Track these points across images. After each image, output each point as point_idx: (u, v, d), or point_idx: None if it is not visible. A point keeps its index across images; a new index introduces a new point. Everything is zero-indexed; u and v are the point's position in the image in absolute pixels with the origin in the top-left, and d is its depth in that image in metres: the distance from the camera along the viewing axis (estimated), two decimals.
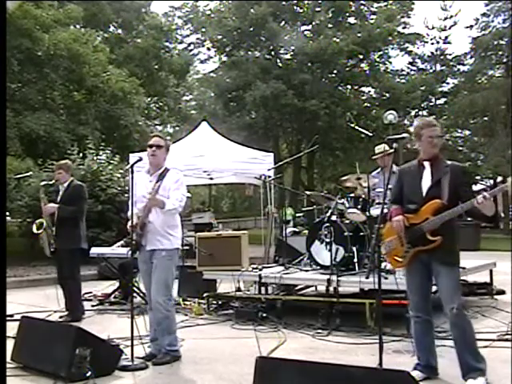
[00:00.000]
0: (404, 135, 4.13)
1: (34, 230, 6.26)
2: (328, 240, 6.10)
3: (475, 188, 45.47)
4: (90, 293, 7.65)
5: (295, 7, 28.17)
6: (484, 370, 3.76)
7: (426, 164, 3.96)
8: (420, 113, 28.97)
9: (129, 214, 4.59)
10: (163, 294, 4.49)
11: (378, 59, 28.32)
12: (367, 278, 5.47)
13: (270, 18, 25.48)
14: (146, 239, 4.53)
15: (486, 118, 26.41)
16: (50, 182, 6.54)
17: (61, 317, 6.23)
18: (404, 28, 27.87)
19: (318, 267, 6.33)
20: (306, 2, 27.77)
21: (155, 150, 4.57)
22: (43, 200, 6.31)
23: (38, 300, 7.58)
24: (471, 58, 27.35)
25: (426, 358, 4.01)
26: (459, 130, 29.23)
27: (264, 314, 5.91)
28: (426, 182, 3.91)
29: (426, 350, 4.03)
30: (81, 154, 12.98)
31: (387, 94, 26.88)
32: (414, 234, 3.87)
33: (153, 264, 4.53)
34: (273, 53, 27.77)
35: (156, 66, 24.36)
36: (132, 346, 4.33)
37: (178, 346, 4.61)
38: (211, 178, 12.88)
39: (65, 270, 6.27)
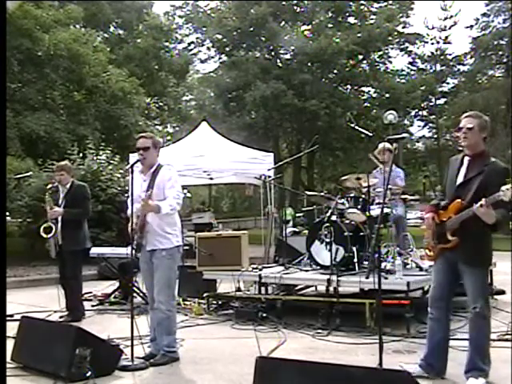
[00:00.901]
0: (404, 135, 4.15)
1: (43, 234, 6.21)
2: (328, 240, 6.10)
3: None
4: (90, 293, 7.63)
5: (295, 7, 28.17)
6: (487, 372, 3.79)
7: (466, 160, 3.84)
8: (420, 113, 29.02)
9: (128, 212, 4.58)
10: (165, 294, 4.48)
11: (378, 59, 28.33)
12: (367, 278, 5.49)
13: (270, 18, 25.47)
14: (145, 240, 4.52)
15: None
16: (55, 185, 6.48)
17: (61, 317, 6.22)
18: (404, 28, 27.90)
19: (318, 267, 6.32)
20: (306, 1, 27.77)
21: (142, 153, 4.54)
22: (49, 204, 6.25)
23: (38, 300, 7.58)
24: (471, 58, 27.39)
25: (427, 356, 4.01)
26: None
27: (264, 314, 5.91)
28: (460, 179, 3.84)
29: (430, 347, 4.02)
30: (81, 154, 12.98)
31: (387, 94, 26.88)
32: (439, 231, 3.87)
33: (154, 264, 4.53)
34: (273, 53, 27.76)
35: (156, 66, 24.34)
36: (132, 345, 4.33)
37: (176, 347, 4.59)
38: (211, 178, 12.87)
39: (67, 270, 6.26)
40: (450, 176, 3.92)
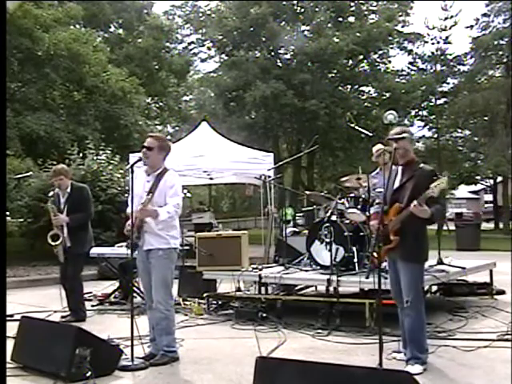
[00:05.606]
0: (404, 135, 4.15)
1: (50, 242, 6.17)
2: (328, 240, 6.10)
3: (475, 188, 45.52)
4: (90, 293, 7.63)
5: (295, 7, 28.17)
6: (423, 360, 4.09)
7: (399, 169, 4.32)
8: (420, 113, 29.00)
9: (128, 210, 4.57)
10: (163, 294, 4.47)
11: (378, 59, 28.32)
12: (367, 278, 5.49)
13: (270, 17, 25.45)
14: (143, 239, 4.51)
15: (486, 118, 26.40)
16: (56, 190, 6.43)
17: (63, 317, 6.20)
18: (404, 27, 27.92)
19: (318, 267, 6.32)
20: (306, 1, 27.76)
21: (146, 153, 4.50)
22: (53, 211, 6.19)
23: (38, 300, 7.58)
24: (471, 58, 27.36)
25: (403, 344, 4.31)
26: (459, 130, 29.24)
27: (264, 314, 5.90)
28: (396, 185, 4.29)
29: (403, 337, 4.33)
30: (81, 154, 12.98)
31: (387, 94, 26.87)
32: (383, 233, 4.15)
33: (150, 264, 4.52)
34: (273, 53, 27.75)
35: (156, 66, 24.37)
36: (132, 345, 4.32)
37: (175, 347, 4.59)
38: (211, 178, 12.89)
39: (69, 271, 6.25)
40: (390, 184, 4.33)
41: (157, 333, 4.54)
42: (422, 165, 4.24)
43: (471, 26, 26.71)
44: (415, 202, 3.94)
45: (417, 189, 4.06)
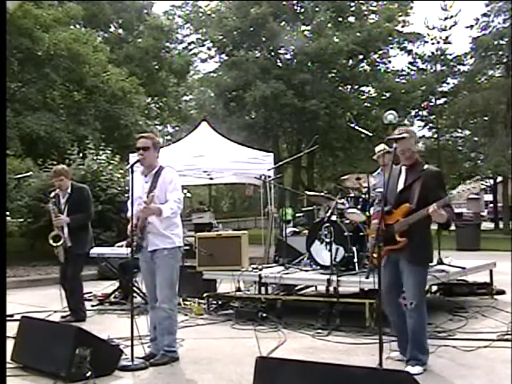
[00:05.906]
0: (404, 135, 4.15)
1: (52, 243, 6.18)
2: (328, 240, 6.09)
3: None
4: (90, 293, 7.63)
5: (295, 7, 28.17)
6: (424, 362, 4.08)
7: (403, 169, 4.24)
8: (420, 113, 29.00)
9: (128, 214, 4.58)
10: (168, 293, 4.48)
11: (378, 59, 28.33)
12: (367, 278, 5.49)
13: (270, 17, 25.45)
14: (146, 240, 4.51)
15: (486, 118, 26.38)
16: (57, 191, 6.42)
17: (63, 317, 6.21)
18: (403, 27, 27.93)
19: (318, 267, 6.32)
20: (306, 1, 27.77)
21: (142, 153, 4.53)
22: (54, 212, 6.19)
23: (38, 300, 7.58)
24: (471, 58, 27.35)
25: (402, 344, 4.27)
26: (459, 130, 29.23)
27: (264, 314, 5.90)
28: (400, 185, 4.20)
29: (400, 338, 4.30)
30: (81, 154, 12.98)
31: (387, 94, 26.88)
32: (386, 234, 4.06)
33: (155, 264, 4.52)
34: (273, 53, 27.76)
35: (156, 66, 24.37)
36: (132, 345, 4.32)
37: (176, 347, 4.59)
38: (211, 178, 12.88)
39: (69, 271, 6.26)
40: (391, 184, 4.24)
41: (159, 332, 4.54)
42: (426, 166, 4.19)
43: (471, 26, 26.70)
44: (435, 206, 3.82)
45: (425, 190, 3.99)
